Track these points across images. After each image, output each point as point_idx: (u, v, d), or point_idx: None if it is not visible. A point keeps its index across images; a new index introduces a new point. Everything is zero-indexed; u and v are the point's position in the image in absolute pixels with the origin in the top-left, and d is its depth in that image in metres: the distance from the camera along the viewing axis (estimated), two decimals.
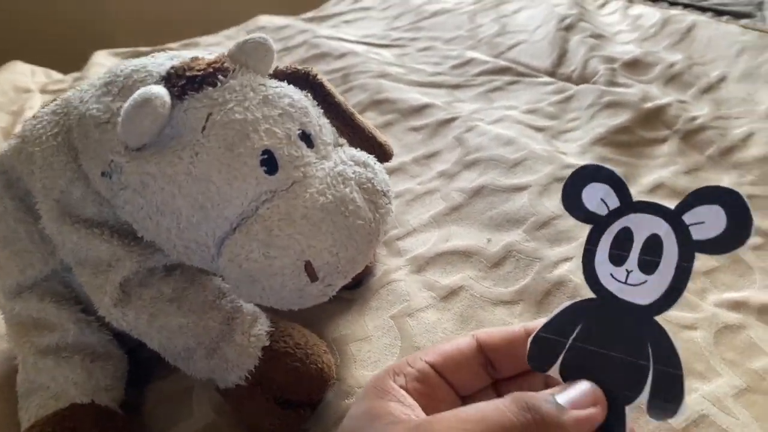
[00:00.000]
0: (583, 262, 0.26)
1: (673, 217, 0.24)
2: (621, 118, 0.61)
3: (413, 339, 0.42)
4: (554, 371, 0.26)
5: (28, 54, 0.95)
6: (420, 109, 0.67)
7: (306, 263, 0.29)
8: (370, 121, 0.64)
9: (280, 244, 0.29)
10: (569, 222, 0.49)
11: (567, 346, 0.25)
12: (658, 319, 0.24)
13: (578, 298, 0.26)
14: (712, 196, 0.23)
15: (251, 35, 0.32)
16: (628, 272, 0.24)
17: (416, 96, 0.69)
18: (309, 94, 0.35)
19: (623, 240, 0.25)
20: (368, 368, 0.40)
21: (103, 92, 0.32)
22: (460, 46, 0.83)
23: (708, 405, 0.36)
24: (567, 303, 0.26)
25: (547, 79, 0.73)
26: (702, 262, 0.47)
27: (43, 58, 0.96)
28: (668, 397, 0.23)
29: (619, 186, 0.26)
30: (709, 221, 0.23)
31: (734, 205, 0.22)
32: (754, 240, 0.48)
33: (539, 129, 0.63)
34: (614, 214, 0.25)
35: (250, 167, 0.29)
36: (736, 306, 0.43)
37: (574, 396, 0.24)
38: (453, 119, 0.65)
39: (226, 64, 0.31)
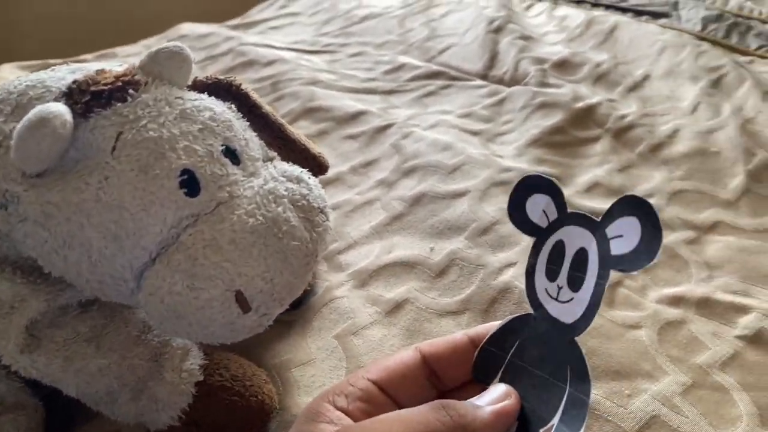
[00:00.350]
0: (526, 275, 0.25)
1: (598, 231, 0.23)
2: (554, 118, 0.61)
3: (359, 359, 0.40)
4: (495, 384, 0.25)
5: None
6: (355, 116, 0.65)
7: (237, 293, 0.26)
8: (303, 130, 0.62)
9: (206, 274, 0.26)
10: (510, 227, 0.48)
11: (506, 361, 0.25)
12: (579, 339, 0.23)
13: (521, 312, 0.26)
14: (631, 208, 0.22)
15: (165, 43, 0.29)
16: (559, 288, 0.24)
17: (350, 103, 0.68)
18: (233, 106, 0.32)
19: (557, 254, 0.24)
20: (313, 394, 0.38)
21: None
22: (392, 51, 0.82)
23: (658, 405, 0.36)
24: (511, 316, 0.26)
25: (479, 82, 0.72)
26: None
27: None
28: (573, 422, 0.22)
29: (557, 196, 0.25)
30: (626, 234, 0.22)
31: (647, 217, 0.21)
32: (687, 234, 0.49)
33: (475, 133, 0.62)
34: (552, 227, 0.25)
35: (168, 190, 0.26)
36: (676, 301, 0.44)
37: (489, 397, 0.24)
38: (389, 126, 0.63)
39: (137, 77, 0.28)
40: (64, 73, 0.29)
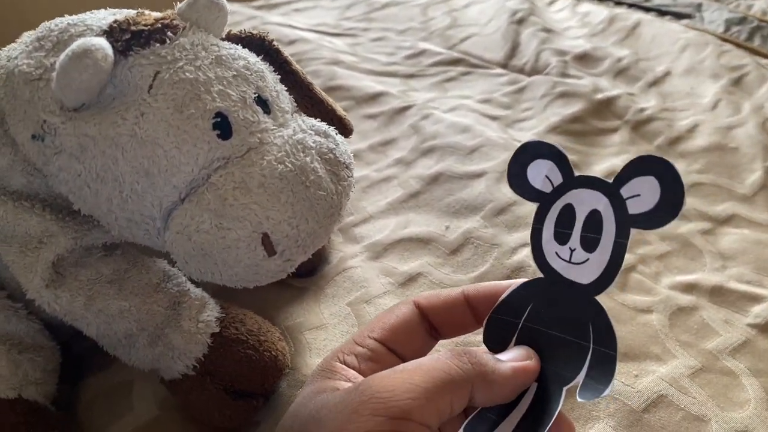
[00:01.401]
0: (531, 241, 0.25)
1: (611, 191, 0.23)
2: (574, 107, 0.61)
3: None
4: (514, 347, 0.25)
5: None
6: (375, 97, 0.66)
7: (263, 236, 0.27)
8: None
9: (234, 214, 0.26)
10: (527, 207, 0.49)
11: (519, 327, 0.25)
12: (601, 298, 0.23)
13: (526, 280, 0.25)
14: (647, 167, 0.22)
15: None
16: (572, 250, 0.24)
17: (370, 84, 0.68)
18: (266, 62, 0.33)
19: (567, 217, 0.24)
20: (324, 357, 0.38)
21: (34, 47, 0.28)
22: (413, 37, 0.82)
23: (665, 385, 0.36)
24: (519, 282, 0.25)
25: (499, 70, 0.73)
26: (654, 247, 0.48)
27: None
28: (601, 377, 0.22)
29: (562, 161, 0.24)
30: (644, 194, 0.22)
31: (667, 175, 0.21)
32: (703, 225, 0.49)
33: (494, 118, 0.63)
34: (558, 191, 0.24)
35: (202, 130, 0.27)
36: (689, 288, 0.44)
37: (511, 355, 0.24)
38: (408, 107, 0.64)
39: (175, 21, 0.29)
40: (105, 14, 0.30)
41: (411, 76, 0.72)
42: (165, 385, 0.35)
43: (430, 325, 0.27)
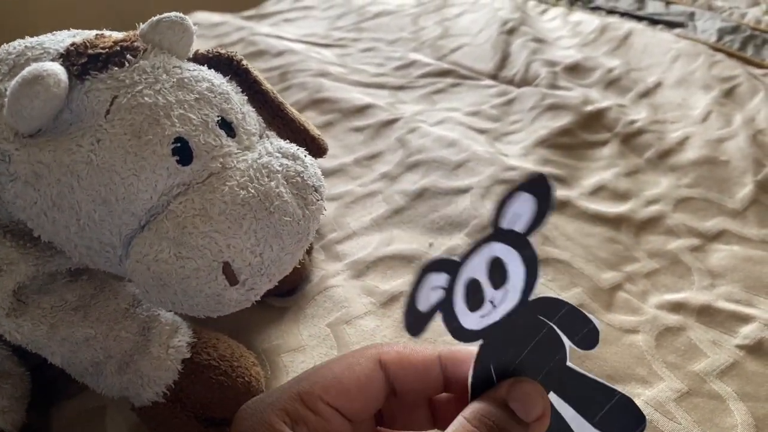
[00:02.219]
0: (456, 338, 0.24)
1: (493, 234, 0.23)
2: (563, 120, 0.61)
3: (351, 347, 0.40)
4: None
5: None
6: (362, 110, 0.65)
7: (224, 264, 0.26)
8: (309, 120, 0.62)
9: (194, 243, 0.25)
10: None
11: (495, 381, 0.25)
12: (533, 296, 0.24)
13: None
14: (516, 192, 0.23)
15: (167, 13, 0.29)
16: (492, 301, 0.24)
17: (358, 96, 0.67)
18: (233, 82, 0.32)
19: (472, 290, 0.23)
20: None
21: None
22: (403, 48, 0.82)
23: (651, 410, 0.35)
24: (474, 352, 0.25)
25: (489, 81, 0.72)
26: (642, 264, 0.47)
27: None
28: (579, 326, 0.24)
29: (450, 266, 0.23)
30: (521, 210, 0.23)
31: (535, 183, 0.22)
32: (692, 241, 0.48)
33: (482, 131, 0.62)
34: (451, 285, 0.23)
35: (160, 156, 0.26)
36: (676, 307, 0.43)
37: (527, 404, 0.23)
38: (395, 120, 0.63)
39: (136, 44, 0.28)
40: (64, 36, 0.29)
41: (400, 87, 0.72)
42: (135, 412, 0.34)
43: (392, 388, 0.25)
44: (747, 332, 0.40)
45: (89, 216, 0.26)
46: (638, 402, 0.35)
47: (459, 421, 0.22)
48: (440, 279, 0.23)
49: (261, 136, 0.31)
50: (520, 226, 0.23)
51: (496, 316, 0.24)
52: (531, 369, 0.25)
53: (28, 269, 0.29)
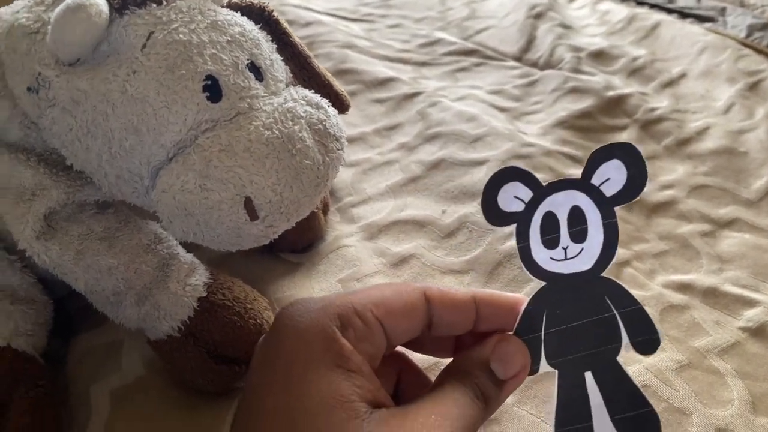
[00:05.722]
0: (522, 261, 0.26)
1: (583, 184, 0.25)
2: (584, 103, 0.61)
3: None
4: (544, 367, 0.26)
5: None
6: (385, 82, 0.66)
7: (246, 199, 0.27)
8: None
9: (218, 176, 0.27)
10: None
11: (543, 339, 0.26)
12: (605, 274, 0.25)
13: (532, 294, 0.26)
14: (607, 154, 0.24)
15: None
16: (565, 249, 0.25)
17: (382, 69, 0.68)
18: (263, 31, 0.33)
19: (549, 224, 0.25)
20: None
21: (35, 2, 0.29)
22: (430, 26, 0.82)
23: (650, 376, 0.36)
24: (525, 302, 0.26)
25: (513, 63, 0.72)
26: (652, 245, 0.47)
27: None
28: (643, 330, 0.25)
29: (527, 178, 0.26)
30: (612, 176, 0.24)
31: (629, 155, 0.24)
32: (703, 227, 0.49)
33: (502, 109, 0.62)
34: (531, 206, 0.26)
35: (191, 91, 0.27)
36: (683, 288, 0.43)
37: (507, 363, 0.25)
38: (417, 94, 0.64)
39: None
40: None
41: (423, 64, 0.72)
42: (150, 346, 0.36)
43: (430, 320, 0.26)
44: (751, 315, 0.41)
45: (121, 144, 0.27)
46: (638, 366, 0.36)
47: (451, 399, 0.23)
48: (523, 191, 0.25)
49: (287, 85, 0.32)
50: (609, 191, 0.24)
51: (564, 268, 0.25)
52: (577, 340, 0.25)
53: (59, 196, 0.31)
